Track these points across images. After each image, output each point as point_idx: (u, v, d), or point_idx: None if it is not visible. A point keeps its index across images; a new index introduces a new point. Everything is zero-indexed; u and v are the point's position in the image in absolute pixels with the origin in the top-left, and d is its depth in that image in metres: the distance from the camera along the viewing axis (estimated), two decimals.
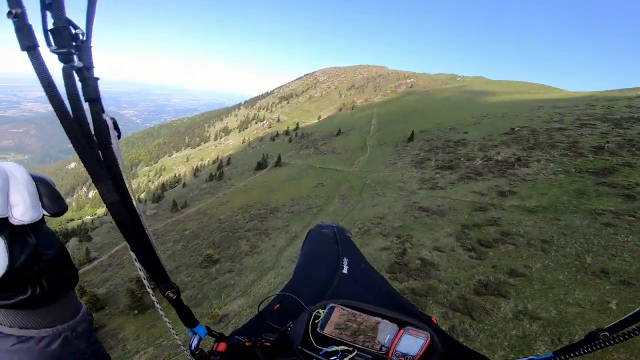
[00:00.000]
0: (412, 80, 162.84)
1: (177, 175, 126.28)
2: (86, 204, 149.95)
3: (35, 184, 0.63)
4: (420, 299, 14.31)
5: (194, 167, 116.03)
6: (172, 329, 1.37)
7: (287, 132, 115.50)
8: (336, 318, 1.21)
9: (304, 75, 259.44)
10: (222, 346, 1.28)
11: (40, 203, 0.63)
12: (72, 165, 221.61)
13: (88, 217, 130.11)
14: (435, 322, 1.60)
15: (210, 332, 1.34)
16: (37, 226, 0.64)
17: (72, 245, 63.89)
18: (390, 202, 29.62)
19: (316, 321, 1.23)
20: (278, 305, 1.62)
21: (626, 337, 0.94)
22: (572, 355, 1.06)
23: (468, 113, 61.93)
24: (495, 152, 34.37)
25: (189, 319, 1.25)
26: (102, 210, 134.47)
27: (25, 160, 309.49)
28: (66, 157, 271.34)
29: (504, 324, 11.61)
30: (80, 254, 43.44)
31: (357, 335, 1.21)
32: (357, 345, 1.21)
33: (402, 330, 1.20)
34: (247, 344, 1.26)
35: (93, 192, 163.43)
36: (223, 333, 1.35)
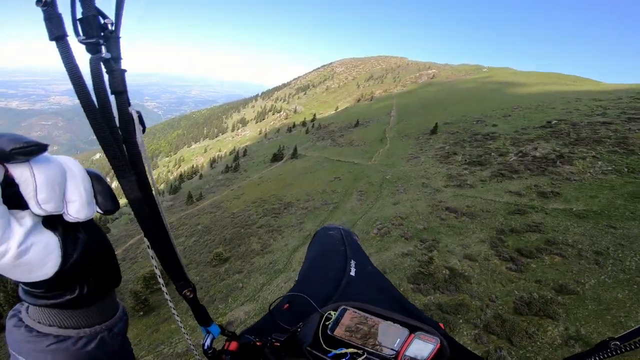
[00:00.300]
0: (433, 71, 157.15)
1: (194, 166, 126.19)
2: None
3: (91, 180, 0.63)
4: (449, 317, 12.17)
5: (211, 158, 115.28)
6: (183, 328, 1.35)
7: (304, 124, 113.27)
8: (347, 320, 1.18)
9: (321, 67, 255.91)
10: (233, 345, 1.28)
11: (94, 200, 0.62)
12: (97, 156, 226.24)
13: None
14: (442, 327, 1.55)
15: (223, 330, 1.34)
16: (88, 223, 0.64)
17: None
18: (412, 201, 27.06)
19: (327, 323, 1.19)
20: (287, 305, 1.59)
21: (637, 345, 0.93)
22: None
23: (496, 104, 58.00)
24: (531, 147, 31.12)
25: (204, 317, 1.26)
26: (123, 200, 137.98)
27: (55, 151, 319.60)
28: (91, 148, 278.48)
29: (551, 351, 9.50)
30: None
31: (367, 339, 1.17)
32: (366, 349, 1.16)
33: (412, 335, 1.17)
34: (257, 343, 1.26)
35: (116, 183, 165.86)
36: (235, 332, 1.34)
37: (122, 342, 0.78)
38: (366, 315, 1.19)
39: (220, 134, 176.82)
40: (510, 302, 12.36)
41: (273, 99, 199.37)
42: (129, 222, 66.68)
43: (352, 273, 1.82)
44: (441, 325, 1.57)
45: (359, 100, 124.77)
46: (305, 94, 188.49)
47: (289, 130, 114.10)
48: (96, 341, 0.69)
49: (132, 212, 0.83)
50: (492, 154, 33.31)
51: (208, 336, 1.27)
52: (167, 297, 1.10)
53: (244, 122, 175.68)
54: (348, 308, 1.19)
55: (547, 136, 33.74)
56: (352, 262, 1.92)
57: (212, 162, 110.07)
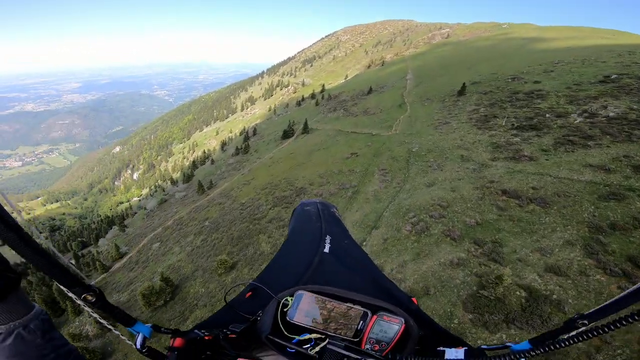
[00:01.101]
0: (447, 30, 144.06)
1: (207, 150, 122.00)
2: (132, 186, 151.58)
3: None
4: None
5: (222, 141, 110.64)
6: (112, 326, 1.30)
7: (312, 96, 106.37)
8: (305, 305, 1.16)
9: (326, 37, 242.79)
10: (178, 341, 1.21)
11: None
12: (117, 149, 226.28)
13: (135, 198, 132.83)
14: (415, 302, 1.54)
15: (158, 329, 1.25)
16: None
17: (111, 235, 61.23)
18: (452, 181, 21.40)
19: (285, 309, 1.17)
20: (250, 293, 1.52)
21: (608, 329, 0.87)
22: (549, 345, 0.96)
23: (529, 60, 49.96)
24: (599, 106, 24.57)
25: (124, 319, 1.16)
26: (146, 191, 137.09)
27: (77, 148, 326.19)
28: (111, 142, 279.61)
29: None
30: (111, 251, 41.60)
31: (328, 323, 1.15)
32: (329, 333, 1.15)
33: (375, 317, 1.15)
34: (206, 337, 1.21)
35: (137, 174, 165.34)
36: (178, 328, 1.26)
37: (46, 337, 0.86)
38: (324, 298, 1.15)
39: (230, 114, 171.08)
40: (634, 342, 7.49)
41: (279, 74, 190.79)
42: (145, 218, 63.71)
43: (326, 249, 1.75)
44: (414, 300, 1.53)
45: (369, 66, 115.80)
46: (311, 65, 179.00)
47: (298, 104, 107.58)
48: (13, 336, 0.78)
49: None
50: (547, 115, 26.85)
51: (138, 335, 1.16)
52: (79, 302, 1.01)
53: (252, 101, 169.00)
54: (304, 292, 1.16)
55: (614, 92, 26.92)
56: (327, 238, 1.84)
57: (223, 145, 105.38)
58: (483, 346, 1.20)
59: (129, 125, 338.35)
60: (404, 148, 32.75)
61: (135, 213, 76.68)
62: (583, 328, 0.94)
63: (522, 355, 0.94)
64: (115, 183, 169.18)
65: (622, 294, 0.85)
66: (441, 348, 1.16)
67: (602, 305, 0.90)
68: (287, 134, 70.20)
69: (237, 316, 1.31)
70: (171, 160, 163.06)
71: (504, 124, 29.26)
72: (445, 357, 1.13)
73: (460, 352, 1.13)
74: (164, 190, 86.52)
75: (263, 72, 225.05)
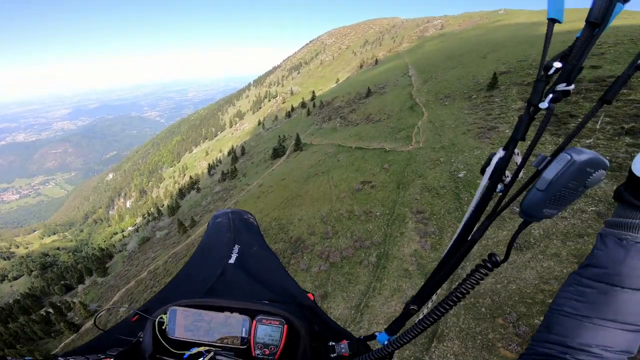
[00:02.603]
0: (439, 21, 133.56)
1: (195, 175, 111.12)
2: (126, 215, 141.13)
3: None
4: None
5: (209, 164, 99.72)
6: None
7: (303, 104, 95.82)
8: (182, 320, 1.13)
9: (310, 42, 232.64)
10: None
11: None
12: (110, 176, 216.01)
13: (129, 228, 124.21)
14: (312, 297, 1.54)
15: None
16: None
17: (89, 282, 50.34)
18: (564, 235, 10.43)
19: (163, 327, 1.13)
20: (136, 317, 1.41)
21: (434, 315, 0.88)
22: (402, 338, 0.95)
23: (562, 44, 36.88)
24: None
25: None
26: (140, 219, 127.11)
27: (73, 177, 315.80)
28: (105, 168, 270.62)
29: None
30: (79, 309, 36.35)
31: (211, 334, 1.12)
32: (215, 344, 1.12)
33: (254, 321, 1.14)
34: None
35: (130, 202, 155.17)
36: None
37: None
38: (200, 311, 1.13)
39: (219, 132, 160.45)
40: None
41: (266, 85, 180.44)
42: (125, 261, 53.11)
43: (232, 260, 1.70)
44: (310, 295, 1.56)
45: (361, 66, 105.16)
46: (299, 72, 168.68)
47: (288, 115, 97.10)
48: None
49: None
50: None
51: None
52: None
53: (240, 115, 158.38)
54: (177, 308, 1.13)
55: None
56: (236, 248, 1.79)
57: (210, 169, 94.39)
58: (362, 337, 1.22)
59: (122, 149, 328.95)
60: (442, 172, 21.78)
61: (120, 251, 65.54)
62: (414, 313, 0.96)
63: (389, 347, 0.95)
64: (110, 212, 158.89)
65: (432, 269, 0.89)
66: (331, 343, 1.19)
67: (419, 289, 0.92)
68: (277, 153, 59.44)
69: (118, 340, 1.23)
70: (162, 185, 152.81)
71: (598, 127, 18.38)
72: (334, 352, 1.16)
73: (344, 345, 1.17)
74: (154, 219, 75.44)
75: (250, 85, 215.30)
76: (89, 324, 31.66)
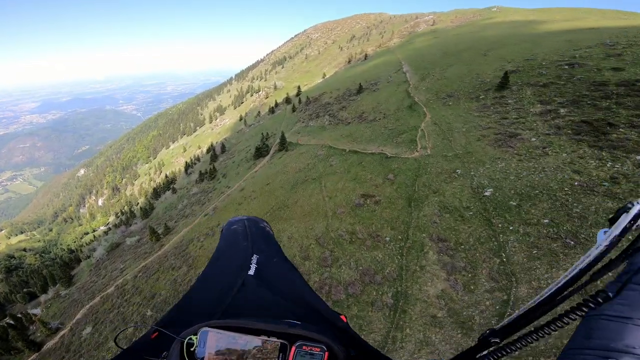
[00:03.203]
0: (430, 17, 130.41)
1: (172, 173, 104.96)
2: (98, 213, 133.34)
3: None
4: None
5: (186, 163, 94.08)
6: None
7: (287, 100, 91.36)
8: (213, 343, 1.03)
9: (295, 36, 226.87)
10: None
11: None
12: (82, 172, 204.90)
13: (101, 227, 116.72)
14: (345, 320, 1.47)
15: None
16: None
17: (52, 293, 44.68)
18: None
19: (192, 349, 1.04)
20: (156, 334, 1.35)
21: (520, 344, 0.83)
22: None
23: (565, 44, 36.35)
24: None
25: None
26: (112, 218, 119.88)
27: (42, 173, 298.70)
28: (76, 163, 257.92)
29: None
30: (39, 328, 32.41)
31: (245, 359, 1.04)
32: None
33: (293, 347, 1.06)
34: None
35: (102, 200, 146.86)
36: None
37: None
38: (234, 334, 1.03)
39: (198, 127, 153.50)
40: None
41: (249, 79, 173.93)
42: (92, 270, 48.02)
43: (251, 271, 1.58)
44: (343, 317, 1.46)
45: (349, 61, 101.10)
46: (282, 67, 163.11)
47: (272, 111, 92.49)
48: None
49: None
50: None
51: None
52: None
53: (221, 110, 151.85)
54: (209, 330, 1.03)
55: None
56: (254, 258, 1.67)
57: (187, 168, 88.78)
58: None
59: (95, 144, 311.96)
60: (462, 188, 18.28)
61: (87, 257, 59.66)
62: (495, 346, 0.90)
63: None
64: (81, 210, 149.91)
65: (528, 306, 0.82)
66: None
67: (510, 319, 0.86)
68: (260, 152, 55.15)
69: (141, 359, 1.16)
70: (137, 182, 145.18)
71: None
72: None
73: None
74: (125, 222, 69.56)
75: (232, 79, 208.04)
76: (51, 343, 28.25)
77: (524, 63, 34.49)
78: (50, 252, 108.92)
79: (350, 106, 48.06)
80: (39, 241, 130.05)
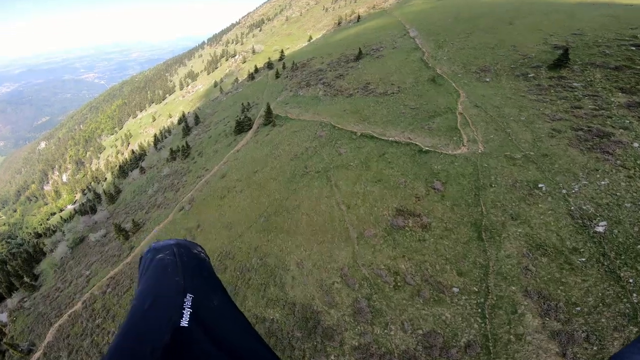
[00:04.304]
0: None
1: (140, 145, 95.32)
2: (63, 191, 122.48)
3: None
4: None
5: (155, 136, 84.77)
6: None
7: (269, 65, 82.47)
8: None
9: None
10: None
11: None
12: (42, 145, 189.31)
13: (69, 206, 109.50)
14: None
15: None
16: None
17: (17, 299, 37.74)
18: None
19: None
20: None
21: None
22: None
23: (617, 20, 30.05)
24: None
25: None
26: (79, 195, 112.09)
27: (1, 147, 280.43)
28: (37, 136, 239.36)
29: None
30: (13, 355, 28.08)
31: None
32: None
33: None
34: None
35: (66, 175, 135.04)
36: None
37: None
38: None
39: (168, 95, 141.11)
40: None
41: (223, 43, 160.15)
42: (57, 270, 41.46)
43: (184, 321, 1.07)
44: None
45: (339, 23, 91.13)
46: (260, 30, 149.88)
47: (251, 77, 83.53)
48: None
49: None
50: None
51: None
52: None
53: (193, 76, 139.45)
54: None
55: None
56: (189, 299, 1.17)
57: (157, 142, 79.71)
58: None
59: (56, 114, 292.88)
60: (555, 214, 12.66)
61: (53, 250, 51.87)
62: None
63: None
64: (45, 188, 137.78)
65: None
66: None
67: None
68: (242, 126, 47.75)
69: None
70: (103, 156, 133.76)
71: None
72: None
73: None
74: (90, 210, 61.11)
75: (204, 43, 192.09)
76: None
77: (575, 39, 28.20)
78: (17, 236, 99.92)
79: (350, 74, 40.95)
80: (4, 224, 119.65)
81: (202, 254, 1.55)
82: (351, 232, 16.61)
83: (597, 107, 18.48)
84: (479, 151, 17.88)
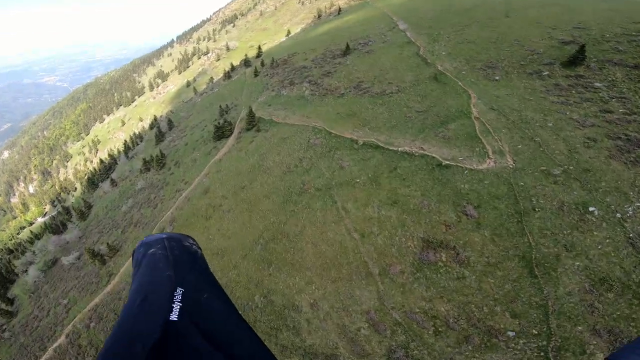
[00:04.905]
0: None
1: (107, 156, 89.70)
2: (31, 203, 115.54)
3: None
4: None
5: (124, 144, 79.66)
6: None
7: (246, 62, 78.76)
8: None
9: None
10: None
11: None
12: (5, 154, 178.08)
13: (39, 219, 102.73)
14: None
15: None
16: None
17: None
18: None
19: None
20: None
21: None
22: None
23: (619, 14, 28.59)
24: None
25: None
26: (49, 207, 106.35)
27: None
28: (1, 144, 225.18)
29: None
30: None
31: None
32: None
33: None
34: None
35: (33, 186, 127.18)
36: None
37: None
38: None
39: (137, 97, 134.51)
40: None
41: (194, 41, 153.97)
42: (30, 297, 37.94)
43: (174, 316, 1.08)
44: None
45: (319, 17, 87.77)
46: (234, 26, 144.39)
47: (227, 76, 79.69)
48: None
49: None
50: None
51: None
52: None
53: (163, 76, 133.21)
54: None
55: None
56: (179, 292, 1.18)
57: (128, 150, 74.73)
58: None
59: (18, 120, 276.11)
60: (614, 244, 11.25)
61: (25, 272, 47.11)
62: None
63: None
64: (12, 200, 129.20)
65: None
66: None
67: None
68: (222, 132, 44.44)
69: None
70: (70, 164, 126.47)
71: None
72: None
73: None
74: (61, 228, 56.00)
75: (173, 41, 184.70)
76: None
77: (580, 33, 26.50)
78: None
79: (338, 71, 38.28)
80: None
81: (194, 247, 1.49)
82: (371, 267, 14.17)
83: (628, 112, 16.70)
84: (510, 166, 15.69)
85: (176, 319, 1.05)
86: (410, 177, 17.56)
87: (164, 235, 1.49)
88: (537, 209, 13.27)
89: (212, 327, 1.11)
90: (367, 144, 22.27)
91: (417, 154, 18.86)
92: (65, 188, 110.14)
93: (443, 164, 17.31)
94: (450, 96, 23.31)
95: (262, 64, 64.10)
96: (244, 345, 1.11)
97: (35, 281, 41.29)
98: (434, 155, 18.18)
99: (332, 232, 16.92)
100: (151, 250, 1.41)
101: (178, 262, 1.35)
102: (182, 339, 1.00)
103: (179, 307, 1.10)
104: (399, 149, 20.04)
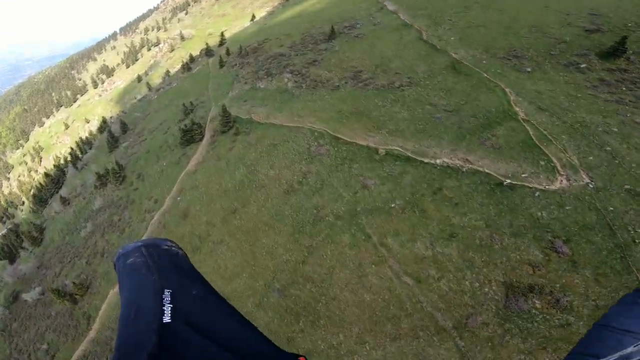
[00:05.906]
0: None
1: (53, 166, 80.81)
2: None
3: None
4: None
5: (71, 154, 71.62)
6: None
7: (208, 51, 72.51)
8: None
9: None
10: None
11: None
12: None
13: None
14: None
15: None
16: None
17: None
18: None
19: None
20: None
21: None
22: None
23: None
24: None
25: None
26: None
27: None
28: None
29: None
30: None
31: None
32: None
33: None
34: None
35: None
36: None
37: None
38: None
39: (79, 95, 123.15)
40: None
41: (141, 32, 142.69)
42: None
43: (167, 317, 1.12)
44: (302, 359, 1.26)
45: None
46: (187, 13, 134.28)
47: (187, 67, 73.27)
48: None
49: None
50: None
51: None
52: None
53: (108, 72, 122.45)
54: None
55: None
56: (167, 294, 1.21)
57: (76, 160, 66.94)
58: None
59: None
60: None
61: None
62: None
63: None
64: None
65: None
66: None
67: None
68: (191, 135, 39.39)
69: None
70: (13, 175, 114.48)
71: None
72: None
73: None
74: (15, 253, 48.51)
75: (116, 33, 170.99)
76: None
77: (601, 21, 24.32)
78: None
79: (326, 59, 34.27)
80: None
81: (173, 248, 1.49)
82: (440, 320, 11.19)
83: None
84: (589, 185, 12.87)
85: (169, 321, 1.07)
86: (465, 201, 14.37)
87: (140, 243, 1.43)
88: (637, 241, 10.77)
89: (205, 320, 1.14)
90: (391, 154, 18.80)
91: (464, 169, 15.65)
92: (12, 202, 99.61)
93: (505, 183, 14.22)
94: (481, 91, 20.30)
95: (228, 53, 58.71)
96: (237, 333, 1.14)
97: (1, 317, 38.54)
98: (487, 171, 15.05)
99: (373, 277, 13.62)
100: (130, 260, 1.38)
101: (159, 265, 1.32)
102: (178, 338, 1.03)
103: (169, 308, 1.11)
104: (437, 161, 16.77)
